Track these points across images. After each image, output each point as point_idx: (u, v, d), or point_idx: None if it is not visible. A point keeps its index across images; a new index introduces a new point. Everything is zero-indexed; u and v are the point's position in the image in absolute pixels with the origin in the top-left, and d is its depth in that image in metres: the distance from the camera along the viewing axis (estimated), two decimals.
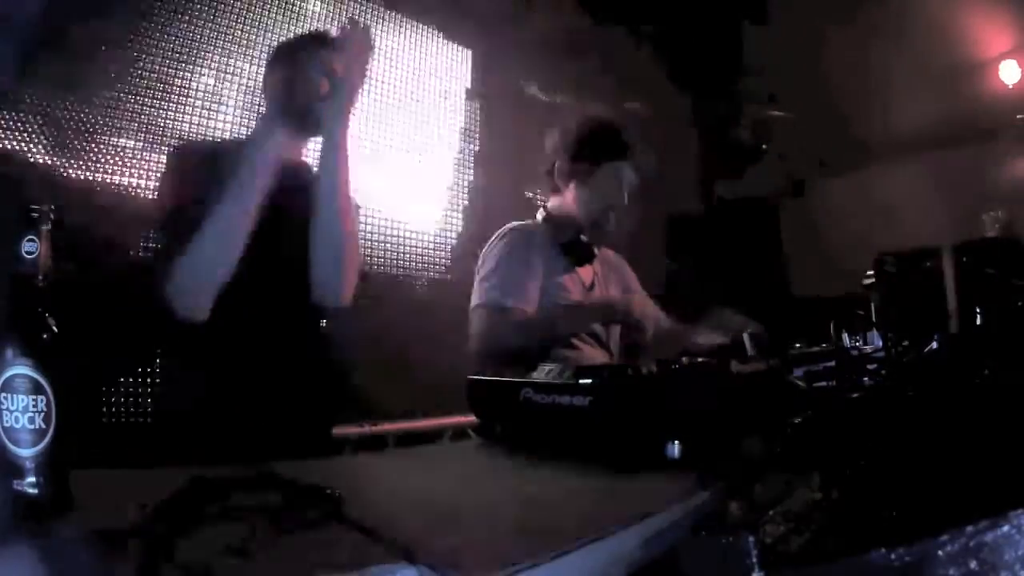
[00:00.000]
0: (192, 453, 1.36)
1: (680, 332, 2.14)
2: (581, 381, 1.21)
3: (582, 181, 2.15)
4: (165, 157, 2.01)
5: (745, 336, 1.80)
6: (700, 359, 1.34)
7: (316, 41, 1.68)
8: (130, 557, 0.67)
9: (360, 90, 1.63)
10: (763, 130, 5.01)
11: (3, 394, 0.74)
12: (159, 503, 0.78)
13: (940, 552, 0.70)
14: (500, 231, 2.19)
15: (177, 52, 2.60)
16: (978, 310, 1.84)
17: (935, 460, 1.02)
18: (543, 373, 1.32)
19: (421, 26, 3.57)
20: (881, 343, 1.77)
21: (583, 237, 2.18)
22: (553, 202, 2.25)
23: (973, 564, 0.68)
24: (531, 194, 3.64)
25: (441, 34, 3.65)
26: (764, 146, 5.00)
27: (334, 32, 1.67)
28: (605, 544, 0.77)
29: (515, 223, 2.21)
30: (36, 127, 2.18)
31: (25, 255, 0.80)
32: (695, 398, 1.16)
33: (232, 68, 2.75)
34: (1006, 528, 0.71)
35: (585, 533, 0.76)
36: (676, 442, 1.08)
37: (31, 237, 0.80)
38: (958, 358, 1.43)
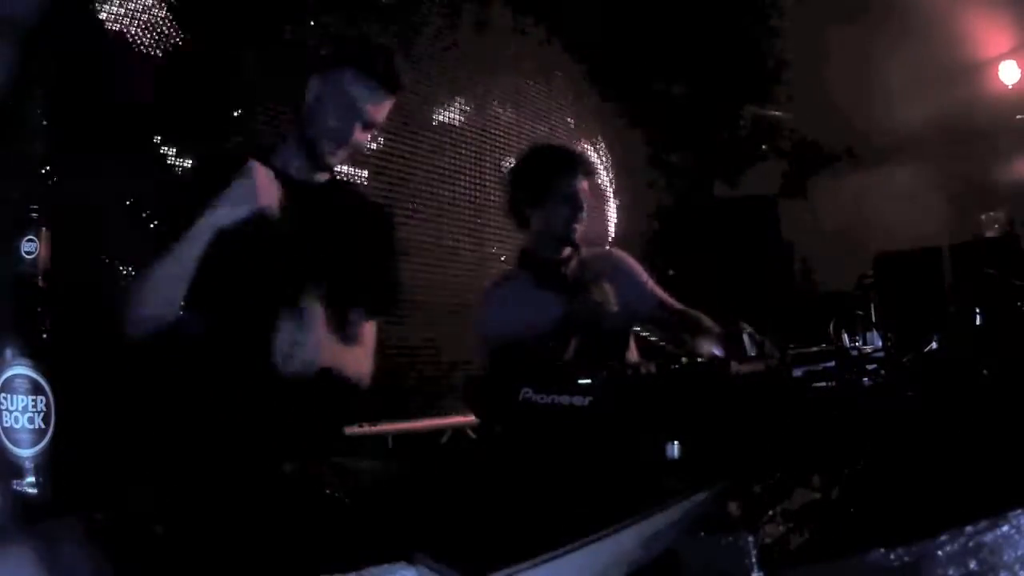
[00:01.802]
0: (197, 456, 1.36)
1: (688, 317, 2.21)
2: (580, 381, 1.21)
3: (540, 205, 2.30)
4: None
5: (744, 336, 1.80)
6: (700, 359, 1.34)
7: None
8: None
9: None
10: (763, 130, 5.02)
11: (3, 394, 0.74)
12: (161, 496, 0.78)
13: (940, 552, 0.70)
14: (485, 291, 2.38)
15: None
16: (978, 310, 1.84)
17: (935, 460, 1.02)
18: None
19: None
20: (881, 343, 1.77)
21: (563, 254, 2.28)
22: (525, 237, 2.40)
23: (973, 564, 0.68)
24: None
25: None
26: (764, 146, 5.00)
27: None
28: (605, 544, 0.77)
29: (493, 280, 2.43)
30: None
31: (25, 255, 0.80)
32: (695, 398, 1.16)
33: None
34: (1006, 528, 0.71)
35: (585, 533, 0.76)
36: (676, 442, 1.08)
37: (31, 237, 0.80)
38: (958, 358, 1.43)
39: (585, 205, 2.26)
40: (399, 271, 1.91)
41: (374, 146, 3.33)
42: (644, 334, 2.32)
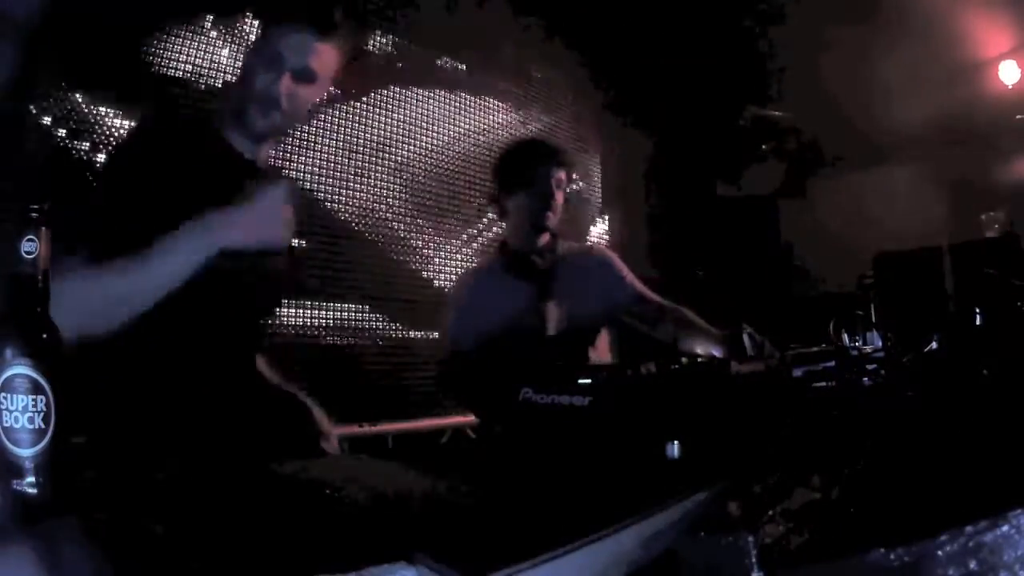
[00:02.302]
0: (187, 453, 1.36)
1: (672, 312, 2.24)
2: (580, 381, 1.21)
3: (516, 194, 2.37)
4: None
5: (744, 336, 1.80)
6: (700, 359, 1.34)
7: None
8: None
9: None
10: (763, 129, 5.01)
11: (3, 394, 0.74)
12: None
13: (940, 552, 0.70)
14: (461, 276, 2.53)
15: None
16: (978, 310, 1.83)
17: (935, 460, 1.02)
18: None
19: None
20: (881, 343, 1.77)
21: (539, 243, 2.33)
22: (506, 226, 2.46)
23: (973, 564, 0.68)
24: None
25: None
26: (764, 145, 5.00)
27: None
28: (605, 544, 0.77)
29: (473, 266, 2.56)
30: None
31: (25, 255, 0.80)
32: (695, 398, 1.16)
33: None
34: (1005, 528, 0.71)
35: (585, 533, 0.76)
36: (676, 442, 1.08)
37: (31, 237, 0.80)
38: (958, 358, 1.43)
39: (559, 194, 2.30)
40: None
41: (372, 145, 3.34)
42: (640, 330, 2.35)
